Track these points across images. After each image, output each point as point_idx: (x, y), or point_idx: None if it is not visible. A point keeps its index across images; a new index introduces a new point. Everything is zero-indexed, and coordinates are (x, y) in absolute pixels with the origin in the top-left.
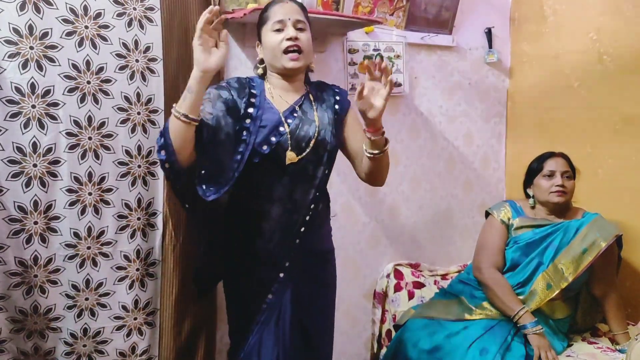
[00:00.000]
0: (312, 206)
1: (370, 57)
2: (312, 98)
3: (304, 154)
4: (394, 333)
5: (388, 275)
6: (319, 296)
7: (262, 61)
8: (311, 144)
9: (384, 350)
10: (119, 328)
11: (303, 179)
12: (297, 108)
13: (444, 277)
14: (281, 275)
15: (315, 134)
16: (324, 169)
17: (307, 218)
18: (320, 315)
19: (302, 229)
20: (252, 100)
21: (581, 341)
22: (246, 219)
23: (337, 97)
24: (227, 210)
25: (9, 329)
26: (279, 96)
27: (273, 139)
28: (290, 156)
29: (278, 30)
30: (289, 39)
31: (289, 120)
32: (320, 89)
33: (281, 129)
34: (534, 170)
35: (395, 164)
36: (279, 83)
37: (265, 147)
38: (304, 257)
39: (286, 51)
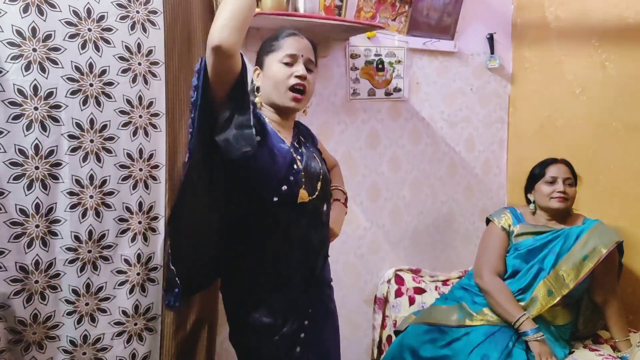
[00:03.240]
0: (325, 245)
1: (371, 62)
2: (300, 135)
3: (317, 192)
4: (394, 339)
5: (389, 281)
6: (334, 330)
7: (258, 89)
8: (320, 181)
9: (384, 356)
10: (119, 334)
11: (316, 218)
12: (296, 144)
13: (444, 282)
14: (306, 322)
15: (320, 170)
16: (328, 203)
17: (323, 258)
18: (336, 349)
19: (319, 271)
20: (264, 125)
21: (582, 348)
22: (267, 272)
23: (308, 133)
24: (243, 270)
25: (8, 339)
26: (278, 131)
27: (291, 177)
28: (302, 194)
29: (287, 64)
30: (298, 77)
31: (298, 157)
32: (297, 125)
33: (295, 166)
34: (535, 176)
35: (397, 169)
36: (274, 117)
37: (284, 187)
38: (322, 295)
39: (292, 89)
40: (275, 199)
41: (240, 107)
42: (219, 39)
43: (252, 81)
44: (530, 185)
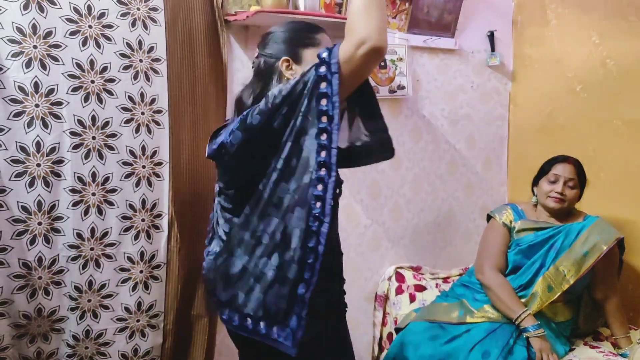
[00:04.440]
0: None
1: None
2: None
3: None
4: (395, 336)
5: (389, 278)
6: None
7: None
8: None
9: (384, 354)
10: (122, 330)
11: (336, 209)
12: None
13: (445, 280)
14: (337, 320)
15: None
16: None
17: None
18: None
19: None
20: None
21: (583, 345)
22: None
23: None
24: None
25: (12, 335)
26: None
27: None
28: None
29: None
30: None
31: None
32: None
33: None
34: (542, 171)
35: (397, 166)
36: None
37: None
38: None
39: None
40: (337, 190)
41: (371, 111)
42: (381, 41)
43: (277, 73)
44: (536, 179)
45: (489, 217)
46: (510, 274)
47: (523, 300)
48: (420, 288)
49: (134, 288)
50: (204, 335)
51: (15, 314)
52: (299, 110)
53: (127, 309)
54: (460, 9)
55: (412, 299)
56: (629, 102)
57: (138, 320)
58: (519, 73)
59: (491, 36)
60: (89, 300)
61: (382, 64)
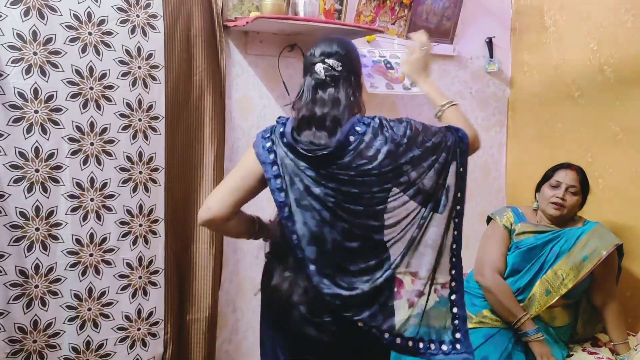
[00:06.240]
0: None
1: (378, 61)
2: None
3: None
4: None
5: None
6: None
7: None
8: None
9: None
10: (122, 339)
11: None
12: None
13: (444, 285)
14: None
15: None
16: None
17: None
18: None
19: None
20: None
21: (581, 351)
22: None
23: None
24: None
25: (6, 352)
26: None
27: None
28: None
29: None
30: None
31: None
32: None
33: None
34: (545, 177)
35: None
36: None
37: None
38: None
39: None
40: None
41: None
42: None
43: (361, 88)
44: (539, 185)
45: (489, 219)
46: (508, 277)
47: (521, 303)
48: (419, 294)
49: (134, 295)
50: (203, 341)
51: (11, 326)
52: (448, 172)
53: (127, 317)
54: (459, 16)
55: (411, 304)
56: (627, 108)
57: (139, 329)
58: (517, 79)
59: (490, 43)
60: (89, 309)
61: (389, 65)
